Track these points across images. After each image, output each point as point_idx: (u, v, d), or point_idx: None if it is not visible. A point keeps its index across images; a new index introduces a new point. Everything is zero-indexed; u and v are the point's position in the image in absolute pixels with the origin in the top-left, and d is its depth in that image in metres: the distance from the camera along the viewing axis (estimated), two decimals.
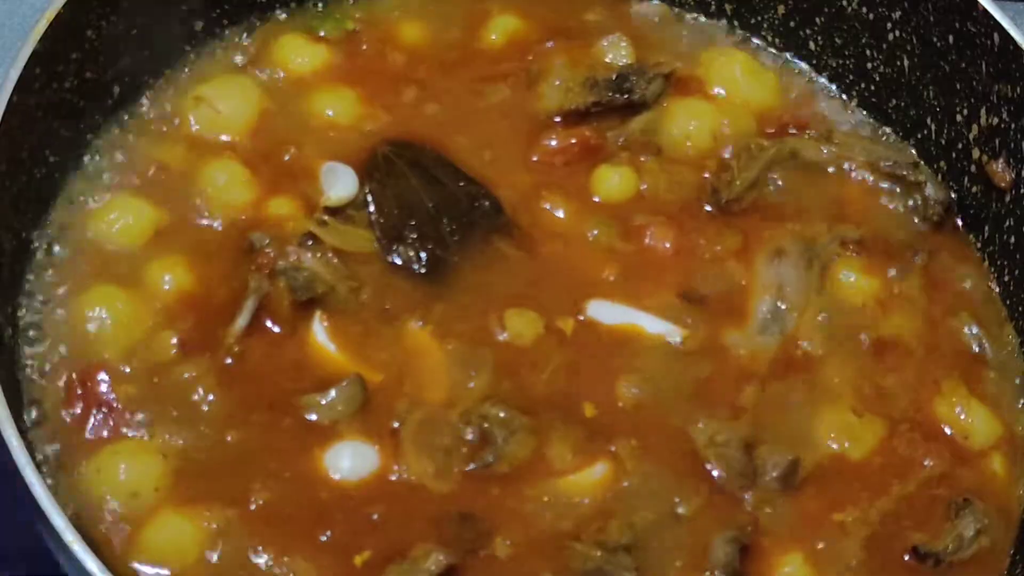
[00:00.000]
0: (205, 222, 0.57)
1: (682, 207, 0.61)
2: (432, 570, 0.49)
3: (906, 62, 0.64)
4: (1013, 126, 0.59)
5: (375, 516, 0.51)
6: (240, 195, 0.58)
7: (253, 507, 0.51)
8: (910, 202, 0.62)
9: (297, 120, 0.61)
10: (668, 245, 0.59)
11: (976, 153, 0.62)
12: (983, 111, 0.61)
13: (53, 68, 0.55)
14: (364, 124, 0.61)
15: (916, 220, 0.62)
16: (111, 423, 0.52)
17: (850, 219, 0.61)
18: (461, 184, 0.59)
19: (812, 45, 0.67)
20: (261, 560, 0.50)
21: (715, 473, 0.54)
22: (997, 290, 0.62)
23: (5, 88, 0.52)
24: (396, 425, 0.53)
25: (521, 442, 0.53)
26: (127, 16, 0.59)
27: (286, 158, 0.60)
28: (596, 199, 0.60)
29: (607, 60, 0.64)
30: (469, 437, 0.53)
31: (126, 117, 0.60)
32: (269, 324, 0.55)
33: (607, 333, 0.57)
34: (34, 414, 0.52)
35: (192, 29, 0.62)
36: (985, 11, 0.59)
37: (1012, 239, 0.61)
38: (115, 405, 0.53)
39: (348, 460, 0.52)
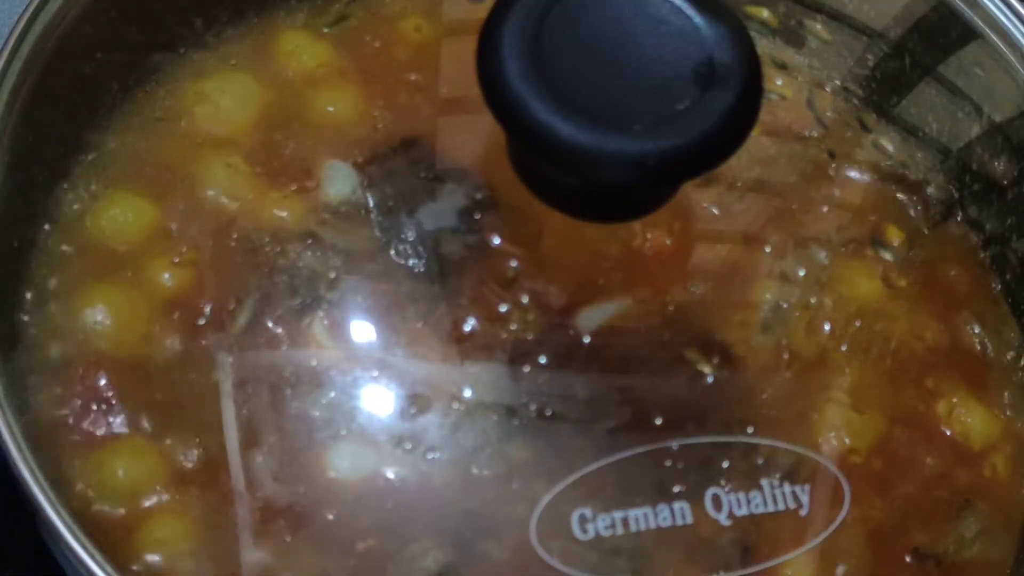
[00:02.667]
0: (205, 219, 0.57)
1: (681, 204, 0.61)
2: (430, 568, 0.50)
3: (908, 60, 0.64)
4: (1015, 123, 0.59)
5: (375, 514, 0.51)
6: (240, 193, 0.58)
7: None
8: (911, 200, 0.63)
9: (298, 117, 0.60)
10: (668, 243, 0.60)
11: (978, 150, 0.62)
12: (985, 108, 0.61)
13: (51, 65, 0.55)
14: (365, 121, 0.61)
15: (917, 218, 0.62)
16: (110, 422, 0.52)
17: (850, 218, 0.61)
18: (462, 182, 0.59)
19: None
20: (260, 557, 0.50)
21: None
22: (999, 288, 0.62)
23: (4, 86, 0.52)
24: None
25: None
26: (125, 12, 0.58)
27: (286, 155, 0.59)
28: None
29: None
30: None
31: (125, 114, 0.60)
32: (270, 324, 0.54)
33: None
34: (32, 413, 0.52)
35: (192, 25, 0.62)
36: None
37: (1014, 237, 0.61)
38: (114, 404, 0.52)
39: (349, 458, 0.52)
